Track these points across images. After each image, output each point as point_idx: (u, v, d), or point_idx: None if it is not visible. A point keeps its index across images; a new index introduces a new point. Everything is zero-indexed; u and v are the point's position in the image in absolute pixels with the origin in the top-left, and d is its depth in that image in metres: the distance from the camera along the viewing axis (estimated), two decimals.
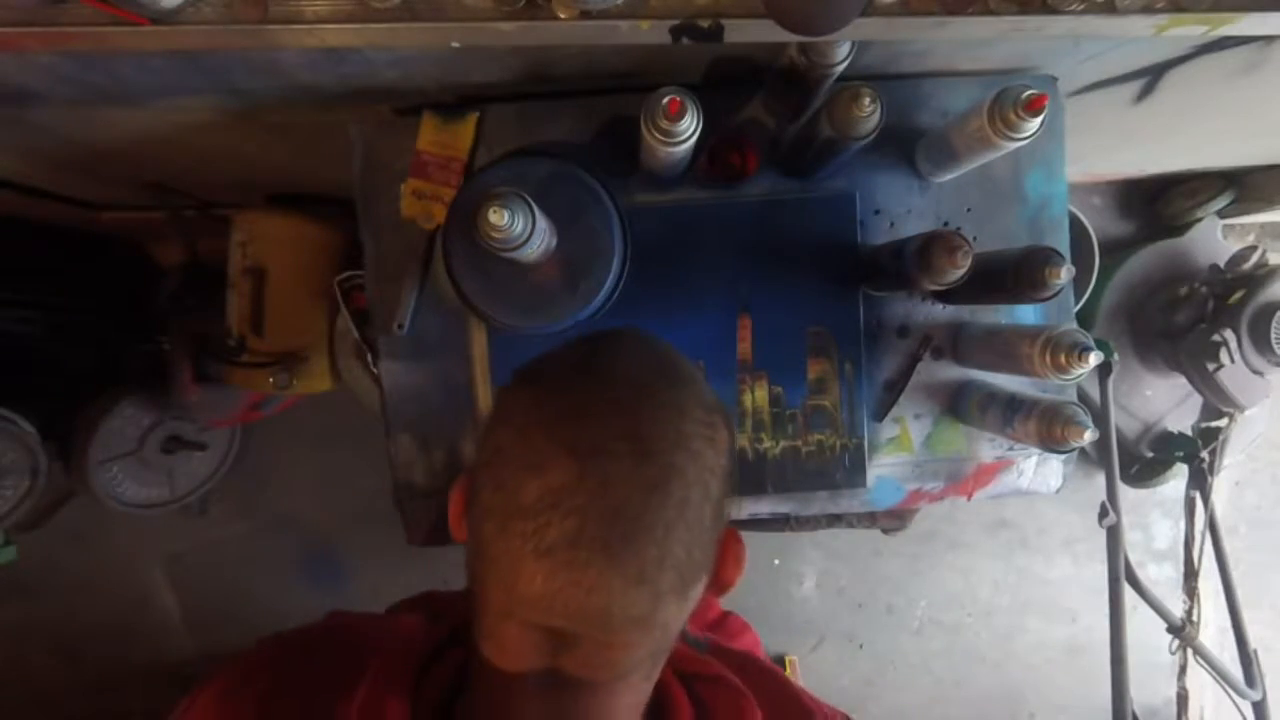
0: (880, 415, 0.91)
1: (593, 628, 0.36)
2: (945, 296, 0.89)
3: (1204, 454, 1.38)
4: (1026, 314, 0.91)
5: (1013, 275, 0.74)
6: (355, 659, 0.45)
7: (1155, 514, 1.92)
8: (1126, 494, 1.66)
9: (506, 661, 0.39)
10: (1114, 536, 1.08)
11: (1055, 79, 0.86)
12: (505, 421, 0.40)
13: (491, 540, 0.37)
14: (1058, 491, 0.96)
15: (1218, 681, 1.26)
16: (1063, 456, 0.93)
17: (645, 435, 0.37)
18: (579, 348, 0.44)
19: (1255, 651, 1.30)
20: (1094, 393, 1.16)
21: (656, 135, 0.70)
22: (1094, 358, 0.70)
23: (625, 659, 0.38)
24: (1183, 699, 1.40)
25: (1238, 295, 1.38)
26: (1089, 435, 0.73)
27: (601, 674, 0.38)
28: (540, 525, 0.35)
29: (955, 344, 0.91)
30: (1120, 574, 1.07)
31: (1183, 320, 1.46)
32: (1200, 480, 1.36)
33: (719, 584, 0.42)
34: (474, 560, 0.39)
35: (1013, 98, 0.67)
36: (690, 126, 0.69)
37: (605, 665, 0.38)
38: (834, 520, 1.01)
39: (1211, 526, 1.33)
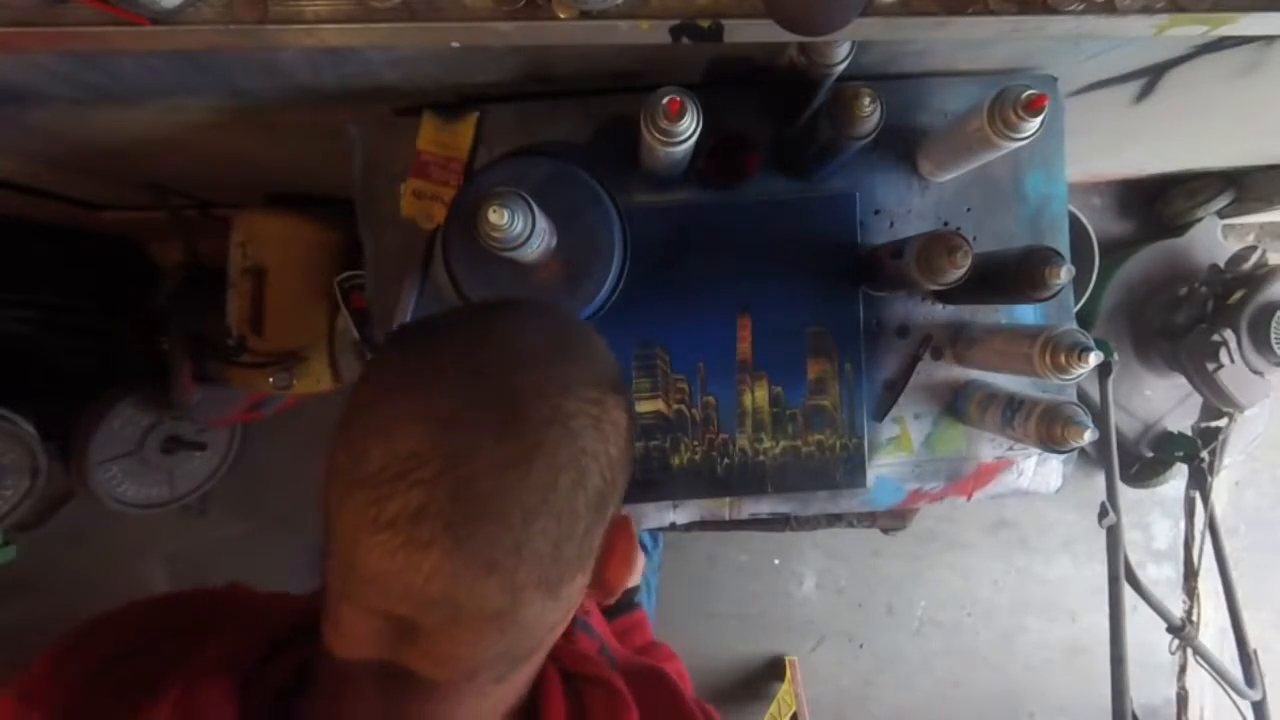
0: (880, 415, 0.91)
1: (436, 617, 0.32)
2: (945, 296, 0.89)
3: (1204, 454, 1.38)
4: (1026, 314, 0.91)
5: (1013, 275, 0.74)
6: (197, 640, 0.39)
7: (1155, 514, 1.92)
8: (1126, 494, 1.65)
9: (344, 649, 0.34)
10: (1114, 536, 1.08)
11: (1055, 79, 0.86)
12: (368, 380, 0.35)
13: (335, 510, 0.33)
14: (1058, 491, 0.96)
15: (1218, 681, 1.26)
16: (1063, 456, 0.93)
17: (513, 407, 0.32)
18: (472, 310, 0.40)
19: (1255, 651, 1.30)
20: (1094, 393, 1.16)
21: (656, 135, 0.70)
22: (1094, 358, 0.70)
23: (471, 657, 0.34)
24: (1183, 699, 1.40)
25: (1238, 295, 1.38)
26: (1089, 435, 0.73)
27: (443, 671, 0.34)
28: (382, 495, 0.31)
29: (955, 344, 0.91)
30: (1120, 574, 1.07)
31: (1183, 320, 1.46)
32: (1200, 480, 1.36)
33: (603, 586, 0.38)
34: (324, 533, 0.35)
35: (1013, 98, 0.67)
36: (690, 126, 0.69)
37: (448, 661, 0.34)
38: (834, 520, 1.01)
39: (1211, 526, 1.33)
